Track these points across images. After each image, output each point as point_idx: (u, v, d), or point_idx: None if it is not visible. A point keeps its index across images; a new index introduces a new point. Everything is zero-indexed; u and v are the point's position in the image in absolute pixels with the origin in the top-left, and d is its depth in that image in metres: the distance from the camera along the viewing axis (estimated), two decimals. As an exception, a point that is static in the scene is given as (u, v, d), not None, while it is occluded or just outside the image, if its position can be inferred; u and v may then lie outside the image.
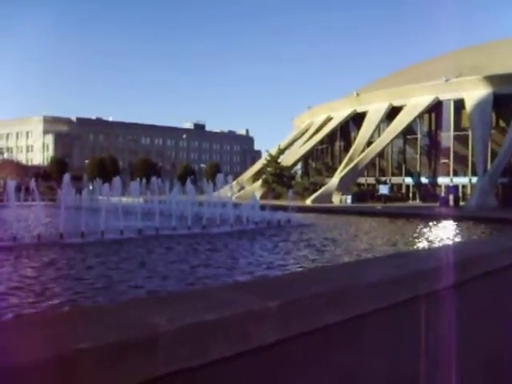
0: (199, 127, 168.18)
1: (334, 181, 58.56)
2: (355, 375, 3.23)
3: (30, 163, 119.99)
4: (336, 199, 55.80)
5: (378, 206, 45.99)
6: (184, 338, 2.45)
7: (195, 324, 2.49)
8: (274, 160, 69.11)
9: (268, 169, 68.78)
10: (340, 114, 72.18)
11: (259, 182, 69.56)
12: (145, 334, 2.39)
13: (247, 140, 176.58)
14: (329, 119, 74.15)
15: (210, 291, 3.27)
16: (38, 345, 2.20)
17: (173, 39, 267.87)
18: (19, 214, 18.50)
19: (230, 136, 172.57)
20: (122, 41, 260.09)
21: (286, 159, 71.76)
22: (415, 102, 62.49)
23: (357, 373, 3.23)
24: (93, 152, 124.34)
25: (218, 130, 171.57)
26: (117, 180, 23.19)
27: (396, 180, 67.66)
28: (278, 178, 66.58)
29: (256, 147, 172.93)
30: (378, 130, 66.63)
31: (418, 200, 63.12)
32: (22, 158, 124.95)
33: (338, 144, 76.17)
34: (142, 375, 2.38)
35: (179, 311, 2.65)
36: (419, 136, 66.33)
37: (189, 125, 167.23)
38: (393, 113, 64.90)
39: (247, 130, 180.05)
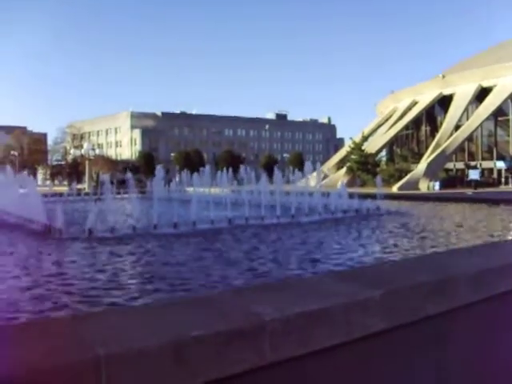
0: (281, 117, 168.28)
1: (421, 167, 57.04)
2: (453, 372, 3.16)
3: (119, 158, 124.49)
4: (423, 186, 54.32)
5: (469, 191, 44.29)
6: (290, 328, 2.48)
7: (301, 313, 2.51)
8: (358, 147, 68.19)
9: (352, 156, 67.96)
10: (425, 97, 70.12)
11: (343, 170, 68.88)
12: (252, 322, 2.45)
13: (329, 128, 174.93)
14: (413, 103, 72.23)
15: (313, 280, 3.30)
16: (157, 331, 2.31)
17: (253, 31, 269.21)
18: (114, 206, 19.24)
19: (312, 125, 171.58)
20: (201, 35, 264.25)
21: (370, 146, 70.62)
22: (506, 82, 59.67)
23: (454, 371, 3.15)
24: (178, 145, 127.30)
25: (300, 119, 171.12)
26: (206, 171, 23.59)
27: (486, 164, 65.08)
28: (362, 165, 65.66)
29: (338, 135, 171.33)
30: (466, 113, 64.22)
31: (510, 185, 60.33)
32: (111, 153, 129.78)
33: (424, 129, 74.12)
34: (249, 363, 2.44)
35: (285, 300, 2.69)
36: (511, 117, 63.34)
37: (271, 115, 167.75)
38: (482, 94, 62.35)
39: (329, 118, 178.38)
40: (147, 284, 8.74)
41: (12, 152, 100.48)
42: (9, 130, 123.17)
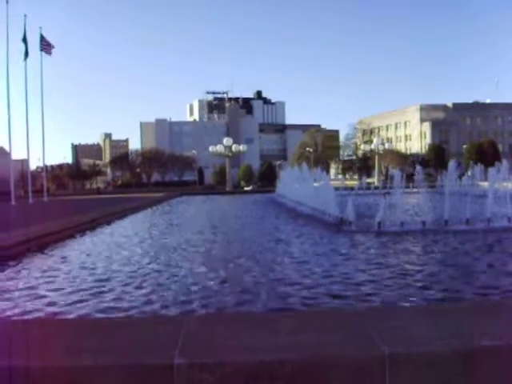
0: None
1: None
2: None
3: (408, 151, 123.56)
4: None
5: None
6: None
7: None
8: None
9: None
10: None
11: None
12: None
13: None
14: None
15: None
16: (444, 334, 2.19)
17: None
18: (403, 201, 19.12)
19: None
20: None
21: None
22: None
23: None
24: (470, 137, 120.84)
25: None
26: (503, 164, 21.74)
27: None
28: None
29: None
30: None
31: None
32: (400, 147, 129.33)
33: None
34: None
35: None
36: None
37: None
38: None
39: None
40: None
41: (307, 148, 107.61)
42: (304, 128, 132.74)
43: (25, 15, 39.21)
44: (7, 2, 37.58)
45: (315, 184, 25.72)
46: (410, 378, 2.00)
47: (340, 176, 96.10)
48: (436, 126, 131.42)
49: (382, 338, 2.13)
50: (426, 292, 7.62)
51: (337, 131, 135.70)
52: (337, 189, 28.68)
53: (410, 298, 6.97)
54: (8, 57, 37.85)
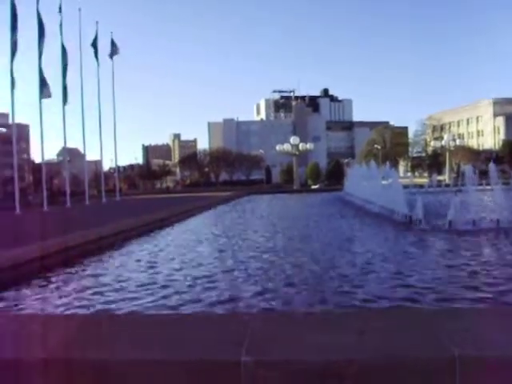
0: None
1: None
2: None
3: (480, 148, 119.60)
4: None
5: None
6: None
7: None
8: None
9: None
10: None
11: None
12: None
13: None
14: None
15: None
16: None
17: None
18: (475, 198, 18.55)
19: None
20: None
21: None
22: None
23: None
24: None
25: None
26: None
27: None
28: None
29: None
30: None
31: None
32: (472, 143, 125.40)
33: None
34: None
35: None
36: None
37: None
38: None
39: None
40: None
41: (375, 146, 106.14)
42: (372, 125, 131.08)
43: (97, 22, 40.77)
44: (79, 10, 39.05)
45: (383, 182, 25.31)
46: (481, 381, 1.94)
47: (409, 173, 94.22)
48: (510, 120, 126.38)
49: (452, 339, 2.08)
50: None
51: (405, 128, 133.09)
52: (406, 187, 28.08)
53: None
54: (81, 62, 39.25)
